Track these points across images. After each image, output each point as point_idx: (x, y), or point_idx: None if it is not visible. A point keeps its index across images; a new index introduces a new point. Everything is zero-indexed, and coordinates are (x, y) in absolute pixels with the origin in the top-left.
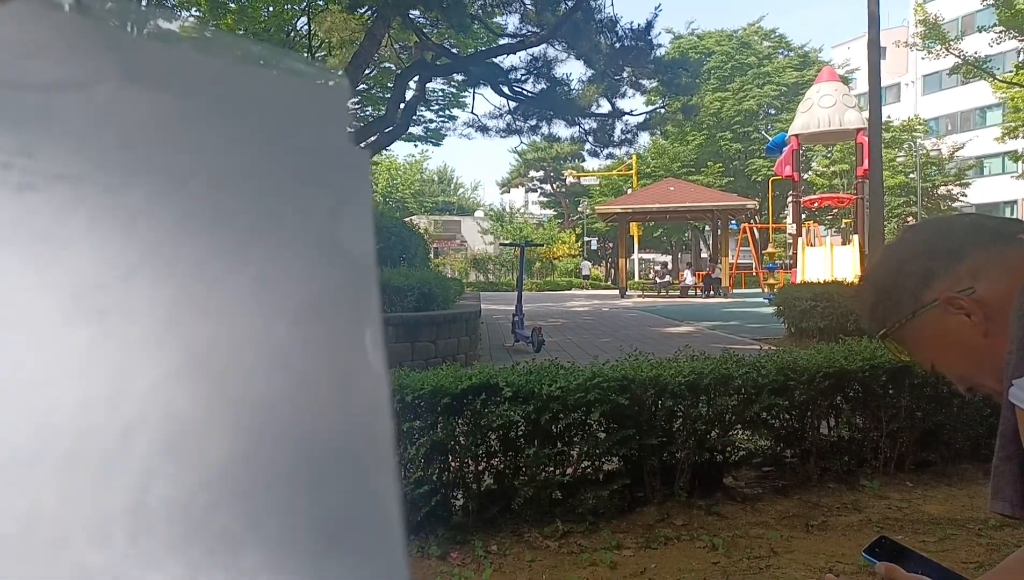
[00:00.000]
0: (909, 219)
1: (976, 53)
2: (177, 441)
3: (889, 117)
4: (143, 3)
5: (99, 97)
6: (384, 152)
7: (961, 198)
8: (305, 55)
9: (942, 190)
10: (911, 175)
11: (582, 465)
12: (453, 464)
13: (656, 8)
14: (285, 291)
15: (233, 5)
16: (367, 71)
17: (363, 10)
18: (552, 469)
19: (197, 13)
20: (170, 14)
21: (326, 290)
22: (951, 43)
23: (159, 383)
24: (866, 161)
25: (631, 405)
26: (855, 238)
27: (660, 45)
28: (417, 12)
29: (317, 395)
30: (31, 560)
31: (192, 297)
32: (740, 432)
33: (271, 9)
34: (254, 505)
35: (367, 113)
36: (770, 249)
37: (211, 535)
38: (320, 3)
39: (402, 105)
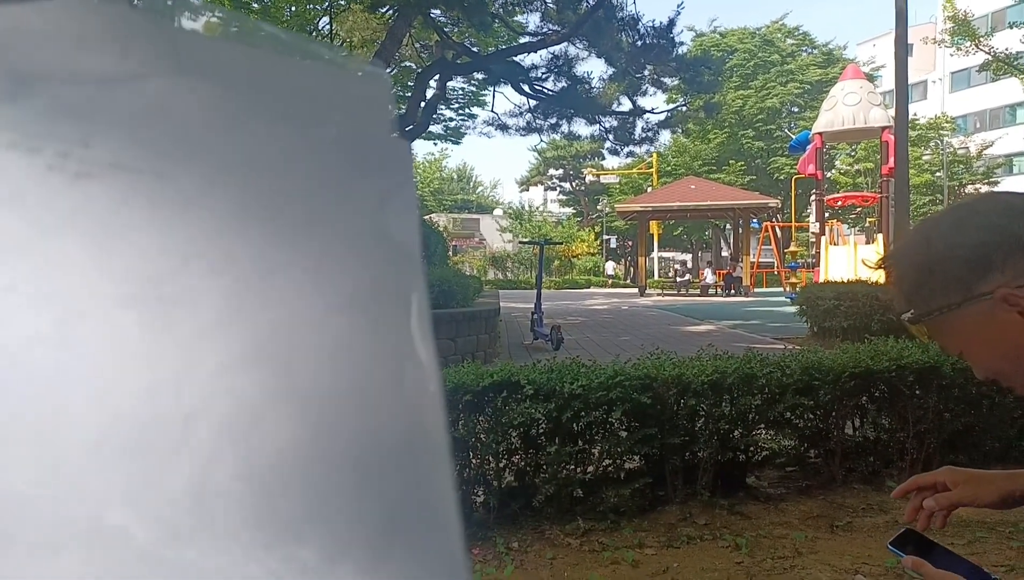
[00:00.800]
0: None
1: (1007, 50)
2: (238, 429)
3: (915, 115)
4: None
5: (151, 89)
6: None
7: None
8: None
9: (970, 189)
10: (937, 173)
11: (603, 463)
12: (474, 461)
13: (679, 6)
14: (339, 282)
15: (256, 5)
16: (388, 70)
17: (384, 9)
18: (573, 467)
19: (220, 14)
20: (195, 11)
21: (377, 280)
22: (981, 39)
23: (220, 372)
24: (891, 159)
25: (653, 404)
26: (879, 237)
27: (682, 43)
28: (438, 11)
29: (373, 385)
30: (99, 545)
31: (249, 286)
32: (763, 432)
33: (293, 9)
34: (313, 495)
35: None
36: (792, 248)
37: (271, 524)
38: (342, 3)
39: (422, 104)
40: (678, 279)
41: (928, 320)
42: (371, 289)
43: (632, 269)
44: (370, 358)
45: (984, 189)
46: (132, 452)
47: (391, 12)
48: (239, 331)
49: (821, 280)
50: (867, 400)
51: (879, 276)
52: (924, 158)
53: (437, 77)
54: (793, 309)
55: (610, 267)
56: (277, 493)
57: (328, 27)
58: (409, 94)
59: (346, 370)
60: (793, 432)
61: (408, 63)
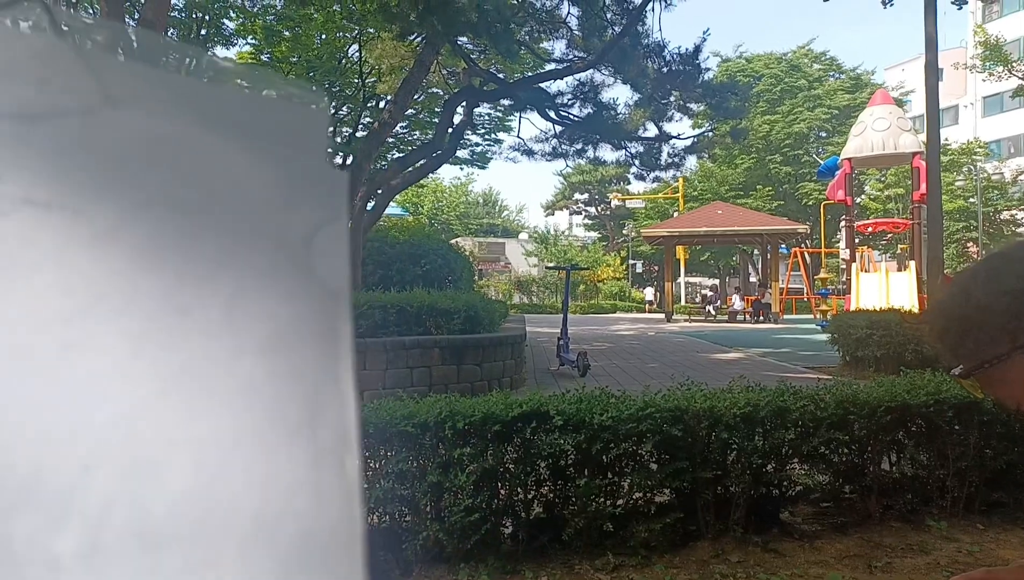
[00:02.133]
0: (969, 245)
1: None
2: (137, 477)
3: (947, 140)
4: (128, 26)
5: (73, 121)
6: (431, 175)
7: None
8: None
9: (1005, 215)
10: (971, 199)
11: (633, 496)
12: (502, 492)
13: (704, 32)
14: (254, 320)
15: (287, 33)
16: (416, 96)
17: (413, 37)
18: (603, 500)
19: (253, 41)
20: (227, 42)
21: (297, 319)
22: (1013, 64)
23: (120, 419)
24: (923, 185)
25: (684, 436)
26: (912, 264)
27: (708, 69)
28: (466, 39)
29: (283, 427)
30: None
31: (157, 328)
32: (797, 466)
33: (323, 37)
34: (214, 540)
35: (415, 137)
36: (822, 274)
37: (169, 572)
38: (371, 31)
39: (450, 130)
40: (707, 305)
41: (979, 373)
42: (289, 330)
43: (658, 294)
44: (282, 398)
45: (1020, 215)
46: (23, 503)
47: (419, 40)
48: (141, 376)
49: (852, 308)
50: (904, 435)
51: (912, 305)
52: (957, 184)
53: (464, 103)
54: (824, 337)
55: (649, 293)
56: (176, 541)
57: (358, 54)
58: (437, 120)
59: (256, 411)
60: (828, 467)
61: (436, 89)
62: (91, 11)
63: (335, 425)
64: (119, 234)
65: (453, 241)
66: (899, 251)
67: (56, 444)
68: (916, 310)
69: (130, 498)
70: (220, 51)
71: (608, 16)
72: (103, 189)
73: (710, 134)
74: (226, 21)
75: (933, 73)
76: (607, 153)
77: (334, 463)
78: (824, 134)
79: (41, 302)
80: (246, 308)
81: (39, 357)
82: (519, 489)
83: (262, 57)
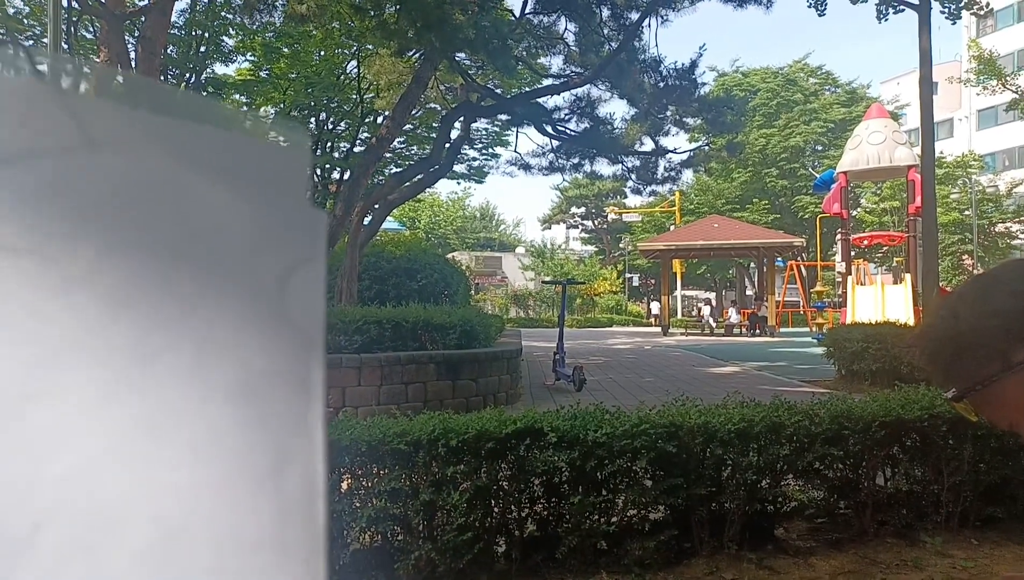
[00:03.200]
0: (965, 257)
1: None
2: (91, 533)
3: (942, 153)
4: (85, 61)
5: (48, 164)
6: (428, 189)
7: (1021, 235)
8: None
9: (1000, 228)
10: (966, 212)
11: (628, 514)
12: (496, 510)
13: (700, 47)
14: (224, 367)
15: (286, 50)
16: (414, 111)
17: (411, 53)
18: (597, 517)
19: (252, 58)
20: (226, 58)
21: (268, 365)
22: (1007, 79)
23: (78, 471)
24: (918, 198)
25: (679, 453)
26: (907, 277)
27: (704, 83)
28: (463, 55)
29: (249, 476)
30: None
31: (123, 376)
32: (792, 482)
33: (322, 53)
34: None
35: (412, 152)
36: (819, 287)
37: None
38: (370, 48)
39: (447, 145)
40: (703, 318)
41: (971, 395)
42: (260, 376)
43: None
44: (248, 449)
45: (1015, 227)
46: None
47: (418, 56)
48: (104, 426)
49: (848, 321)
50: (899, 450)
51: (908, 318)
52: (952, 196)
53: (462, 119)
54: (820, 350)
55: (656, 307)
56: None
57: (356, 70)
58: (434, 135)
59: (219, 463)
60: (822, 483)
61: (433, 105)
62: (92, 30)
63: (303, 475)
64: (91, 279)
65: (449, 255)
66: (895, 264)
67: (6, 499)
68: (912, 323)
69: (85, 555)
70: (219, 68)
71: (605, 32)
72: (76, 233)
73: (706, 148)
74: (225, 38)
75: (928, 87)
76: (604, 167)
77: (300, 515)
78: (820, 148)
79: (8, 355)
80: (216, 354)
81: None
82: (513, 507)
83: (261, 73)
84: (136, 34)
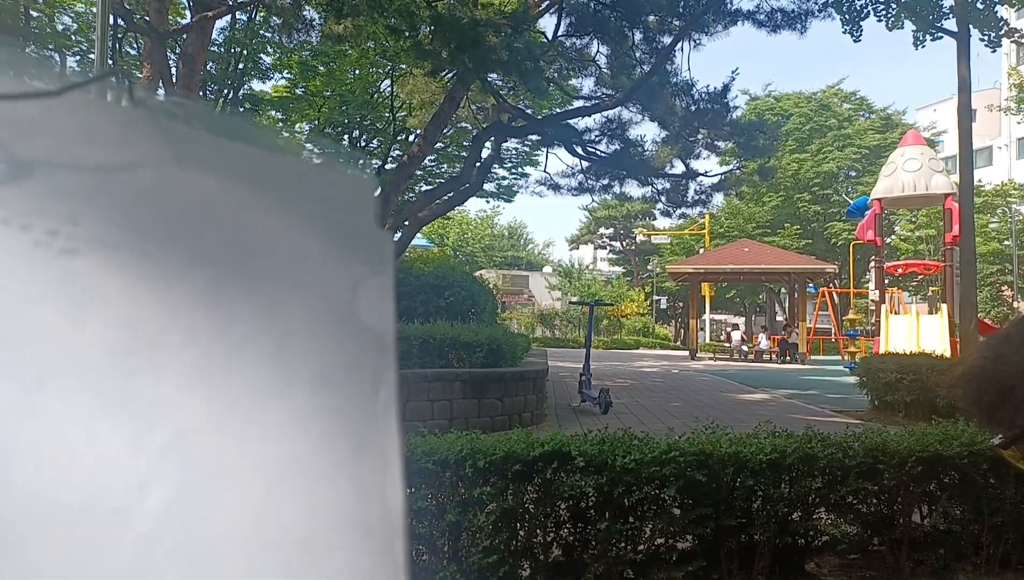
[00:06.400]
0: (1004, 288)
1: None
2: (190, 498)
3: (980, 181)
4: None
5: (145, 176)
6: (457, 207)
7: None
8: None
9: None
10: (1006, 241)
11: (655, 542)
12: (521, 533)
13: (733, 71)
14: (305, 359)
15: (322, 68)
16: (445, 131)
17: (444, 73)
18: (624, 545)
19: (288, 76)
20: (263, 75)
21: (344, 360)
22: None
23: (176, 442)
24: (956, 227)
25: (708, 482)
26: (943, 307)
27: (736, 107)
28: (495, 76)
29: (330, 459)
30: None
31: (213, 361)
32: (824, 516)
33: (357, 72)
34: (262, 564)
35: (443, 170)
36: (851, 315)
37: None
38: (403, 67)
39: (477, 164)
40: (732, 344)
41: (1020, 444)
42: (337, 368)
43: (683, 331)
44: (328, 433)
45: None
46: (80, 520)
47: (450, 76)
48: (197, 404)
49: (881, 350)
50: (936, 487)
51: (944, 349)
52: (991, 226)
53: (492, 138)
54: (852, 379)
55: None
56: (219, 570)
57: (390, 89)
58: (465, 154)
59: (303, 444)
60: (856, 518)
61: (465, 124)
62: (135, 47)
63: (379, 462)
64: (182, 276)
65: (477, 273)
66: (930, 293)
67: (114, 462)
68: (948, 354)
69: (182, 519)
70: (256, 84)
71: (637, 55)
72: (169, 237)
73: (738, 172)
74: (263, 56)
75: (966, 115)
76: (633, 189)
77: (378, 499)
78: (854, 173)
79: (108, 333)
80: (297, 347)
81: (107, 381)
82: (538, 531)
83: (297, 91)
84: (178, 51)
